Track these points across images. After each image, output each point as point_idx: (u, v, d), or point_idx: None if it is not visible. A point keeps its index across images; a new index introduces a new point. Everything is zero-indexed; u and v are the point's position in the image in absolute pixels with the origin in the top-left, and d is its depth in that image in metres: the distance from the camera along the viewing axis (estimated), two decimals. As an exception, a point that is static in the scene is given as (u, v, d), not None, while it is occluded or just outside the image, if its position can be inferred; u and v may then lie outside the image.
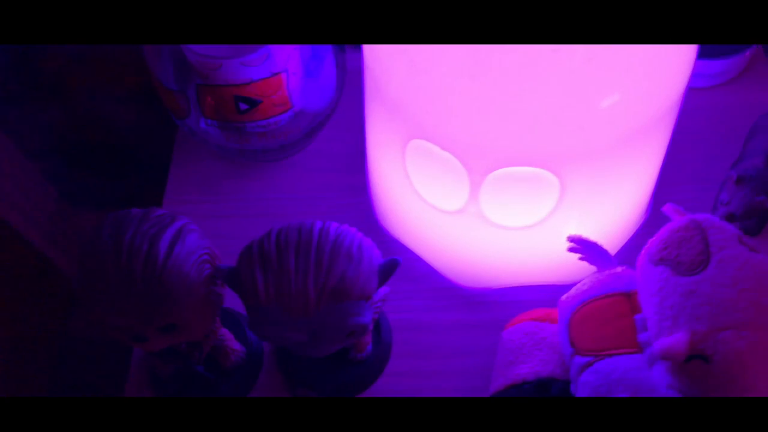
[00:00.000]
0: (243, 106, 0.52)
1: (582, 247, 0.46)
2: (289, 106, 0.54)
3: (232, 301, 0.46)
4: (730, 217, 0.50)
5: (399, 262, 0.42)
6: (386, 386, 0.52)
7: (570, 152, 0.41)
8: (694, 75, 0.46)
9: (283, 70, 0.51)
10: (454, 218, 0.47)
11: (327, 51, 0.54)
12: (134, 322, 0.41)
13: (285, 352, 0.52)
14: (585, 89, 0.39)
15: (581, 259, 0.47)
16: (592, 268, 0.51)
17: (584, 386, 0.41)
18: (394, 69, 0.41)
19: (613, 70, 0.40)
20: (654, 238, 0.40)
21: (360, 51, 0.63)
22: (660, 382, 0.39)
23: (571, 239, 0.47)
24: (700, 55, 0.48)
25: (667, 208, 0.42)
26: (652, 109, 0.42)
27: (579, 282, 0.46)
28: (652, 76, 0.41)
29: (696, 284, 0.36)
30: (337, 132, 0.62)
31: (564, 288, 0.52)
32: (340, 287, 0.40)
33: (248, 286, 0.41)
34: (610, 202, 0.47)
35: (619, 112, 0.40)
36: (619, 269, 0.45)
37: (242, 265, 0.41)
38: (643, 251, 0.41)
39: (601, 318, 0.43)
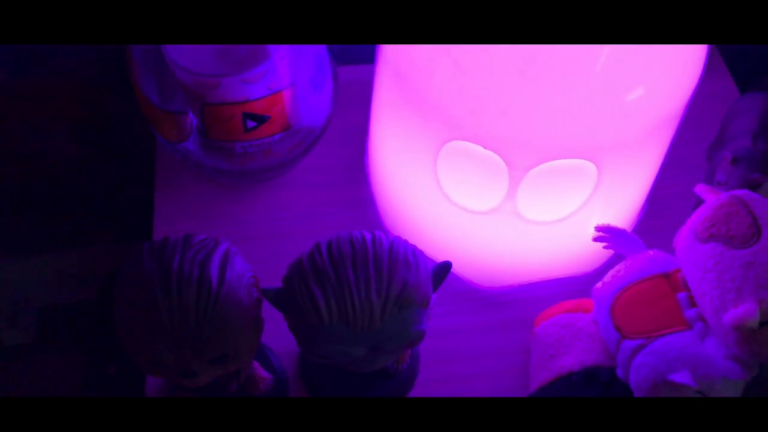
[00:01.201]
0: (251, 124, 0.50)
1: (611, 235, 0.48)
2: (293, 122, 0.52)
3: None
4: (730, 196, 0.53)
5: (450, 264, 0.42)
6: (422, 396, 0.51)
7: (607, 142, 0.42)
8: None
9: (290, 84, 0.50)
10: (483, 218, 0.47)
11: (326, 63, 0.53)
12: (187, 356, 0.38)
13: (314, 375, 0.51)
14: (616, 83, 0.41)
15: (607, 247, 0.49)
16: (608, 255, 0.52)
17: (641, 368, 0.42)
18: (434, 71, 0.41)
19: (640, 66, 0.41)
20: (695, 217, 0.42)
21: (349, 64, 0.63)
22: (716, 355, 0.41)
23: (600, 228, 0.48)
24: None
25: (700, 189, 0.44)
26: (672, 103, 0.44)
27: (608, 270, 0.48)
28: (672, 73, 0.43)
29: (753, 255, 0.38)
30: (329, 146, 0.61)
31: (579, 279, 0.54)
32: (403, 296, 0.39)
33: (306, 305, 0.39)
34: (632, 190, 0.48)
35: (645, 105, 0.42)
36: (651, 253, 0.46)
37: (295, 284, 0.40)
38: (683, 232, 0.43)
39: (644, 301, 0.44)
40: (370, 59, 0.59)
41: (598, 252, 0.52)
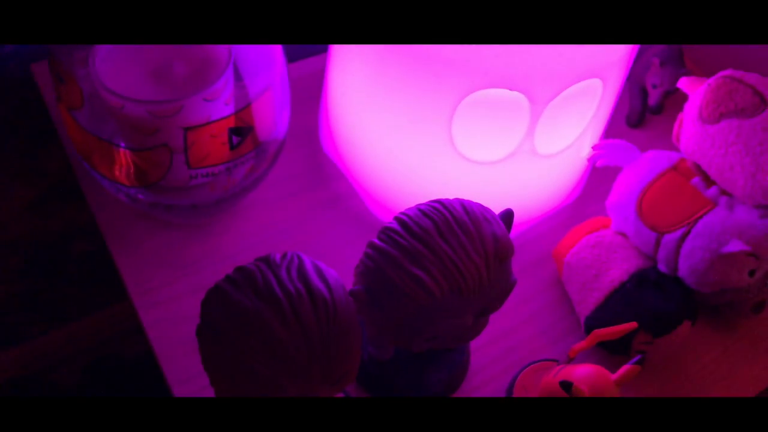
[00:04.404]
0: (235, 140, 0.45)
1: (608, 149, 0.50)
2: (262, 135, 0.48)
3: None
4: (666, 94, 0.58)
5: (512, 212, 0.42)
6: (478, 363, 0.50)
7: (610, 57, 0.44)
8: None
9: (267, 86, 0.46)
10: (499, 166, 0.47)
11: (281, 61, 0.50)
12: (315, 380, 0.34)
13: (372, 370, 0.47)
14: None
15: (603, 162, 0.51)
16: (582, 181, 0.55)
17: (693, 252, 0.45)
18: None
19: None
20: (692, 107, 0.46)
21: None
22: (751, 218, 0.45)
23: (597, 146, 0.50)
24: None
25: (682, 82, 0.48)
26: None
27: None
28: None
29: (769, 118, 0.43)
30: (284, 153, 0.57)
31: (561, 210, 0.56)
32: (498, 247, 0.38)
33: (411, 288, 0.36)
34: (610, 104, 0.51)
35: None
36: (650, 154, 0.50)
37: (389, 273, 0.37)
38: (685, 123, 0.47)
39: (666, 195, 0.47)
40: (305, 54, 0.57)
41: (580, 178, 0.55)
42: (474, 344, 0.51)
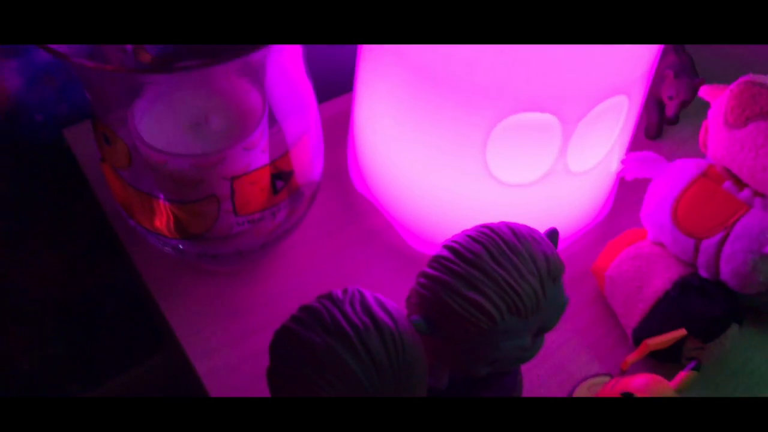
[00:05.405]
0: (279, 185, 0.46)
1: (637, 163, 0.51)
2: (300, 178, 0.49)
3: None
4: (684, 104, 0.60)
5: (557, 231, 0.42)
6: (531, 385, 0.51)
7: (635, 73, 0.46)
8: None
9: (304, 131, 0.47)
10: (533, 188, 0.48)
11: (316, 107, 0.51)
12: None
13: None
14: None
15: (632, 176, 0.52)
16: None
17: (734, 255, 0.46)
18: (482, 54, 0.41)
19: None
20: (715, 110, 0.47)
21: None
22: (787, 217, 0.46)
23: (625, 160, 0.52)
24: None
25: (704, 91, 0.49)
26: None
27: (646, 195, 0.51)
28: None
29: (798, 117, 0.44)
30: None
31: (592, 228, 0.57)
32: (550, 266, 0.39)
33: (471, 314, 0.37)
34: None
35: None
36: (678, 163, 0.51)
37: (446, 300, 0.38)
38: (711, 130, 0.48)
39: (700, 202, 0.48)
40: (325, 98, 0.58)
41: (610, 193, 0.56)
42: (524, 366, 0.51)
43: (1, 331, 0.75)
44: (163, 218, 0.47)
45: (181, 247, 0.49)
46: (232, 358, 0.49)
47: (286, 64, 0.45)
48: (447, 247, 0.40)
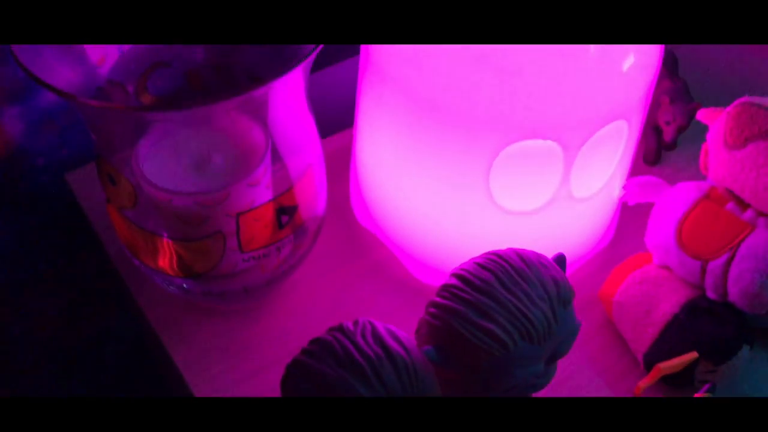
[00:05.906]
0: (284, 219, 0.46)
1: (640, 187, 0.52)
2: (305, 213, 0.50)
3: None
4: (681, 128, 0.60)
5: (564, 256, 0.42)
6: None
7: (634, 98, 0.46)
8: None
9: (308, 166, 0.47)
10: (538, 215, 0.48)
11: (318, 142, 0.51)
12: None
13: None
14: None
15: (634, 201, 0.53)
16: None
17: (742, 275, 0.46)
18: (482, 83, 0.42)
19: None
20: (714, 132, 0.48)
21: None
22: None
23: (627, 185, 0.52)
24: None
25: (701, 114, 0.50)
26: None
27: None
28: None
29: (798, 137, 0.44)
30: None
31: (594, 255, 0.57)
32: (560, 291, 0.39)
33: (483, 342, 0.37)
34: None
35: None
36: (680, 185, 0.51)
37: (457, 329, 0.37)
38: (711, 152, 0.48)
39: (704, 224, 0.49)
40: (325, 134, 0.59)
41: (612, 218, 0.56)
42: (537, 395, 0.51)
43: (1, 379, 0.74)
44: (168, 257, 0.47)
45: (185, 286, 0.49)
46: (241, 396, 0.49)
47: (289, 101, 0.45)
48: (456, 275, 0.40)
